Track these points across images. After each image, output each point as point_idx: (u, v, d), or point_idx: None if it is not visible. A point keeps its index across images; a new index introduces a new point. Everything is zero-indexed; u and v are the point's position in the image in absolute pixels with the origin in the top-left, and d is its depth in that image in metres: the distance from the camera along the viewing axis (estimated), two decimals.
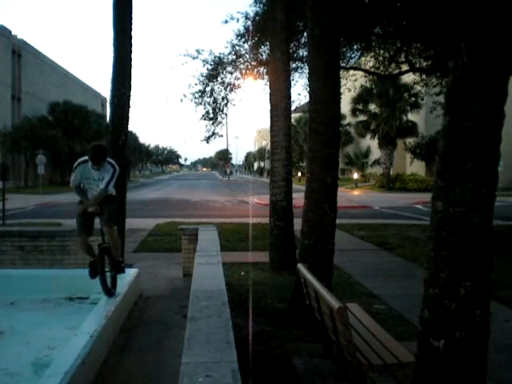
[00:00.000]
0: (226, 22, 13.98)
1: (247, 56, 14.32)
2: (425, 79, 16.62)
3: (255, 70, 14.49)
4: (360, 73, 16.62)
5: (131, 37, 8.63)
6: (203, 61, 14.28)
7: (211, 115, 14.86)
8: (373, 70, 15.78)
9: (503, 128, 2.84)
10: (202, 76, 14.45)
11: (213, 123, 15.07)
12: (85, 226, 5.73)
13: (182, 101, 14.76)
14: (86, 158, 5.48)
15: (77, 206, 5.82)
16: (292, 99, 9.63)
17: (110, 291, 5.66)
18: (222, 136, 16.26)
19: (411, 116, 38.47)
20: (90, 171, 5.51)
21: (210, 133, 15.36)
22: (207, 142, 16.04)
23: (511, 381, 4.47)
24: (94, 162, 5.34)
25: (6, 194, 16.59)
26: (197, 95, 14.61)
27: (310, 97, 6.07)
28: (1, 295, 6.44)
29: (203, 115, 14.87)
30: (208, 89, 14.63)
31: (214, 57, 14.26)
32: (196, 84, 14.59)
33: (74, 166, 5.60)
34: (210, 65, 14.26)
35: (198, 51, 14.28)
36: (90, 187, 5.64)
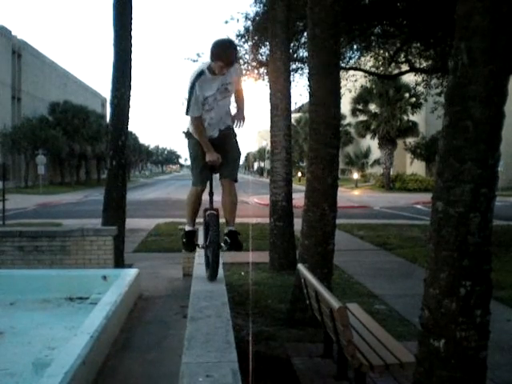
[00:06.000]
0: (227, 22, 14.10)
1: (247, 57, 14.35)
2: (426, 80, 16.64)
3: (255, 71, 14.51)
4: (360, 73, 16.63)
5: (131, 37, 8.66)
6: (203, 63, 14.35)
7: None
8: (373, 70, 15.81)
9: (503, 128, 2.84)
10: None
11: None
12: (205, 174, 4.14)
13: (183, 104, 14.80)
14: (201, 67, 3.97)
15: (189, 143, 4.24)
16: (292, 99, 9.64)
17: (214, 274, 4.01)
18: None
19: (412, 116, 38.48)
20: (210, 84, 3.92)
21: None
22: None
23: (511, 381, 4.46)
24: (227, 63, 3.79)
25: (6, 195, 16.60)
26: None
27: (310, 97, 6.07)
28: (1, 295, 6.44)
29: None
30: None
31: None
32: None
33: (192, 82, 3.89)
34: None
35: (198, 54, 14.40)
36: (210, 109, 4.01)
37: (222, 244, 4.10)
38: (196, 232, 4.43)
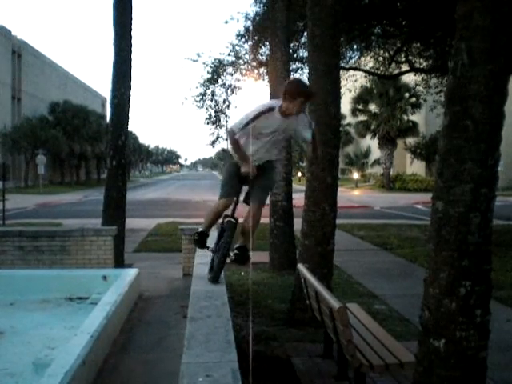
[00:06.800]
0: (227, 22, 14.12)
1: (247, 57, 14.39)
2: (425, 79, 16.63)
3: (255, 71, 14.54)
4: (360, 73, 16.63)
5: (131, 37, 8.67)
6: (203, 63, 14.41)
7: (214, 119, 15.01)
8: (373, 70, 15.80)
9: (503, 128, 2.84)
10: (203, 78, 14.60)
11: (216, 127, 15.21)
12: (235, 188, 4.19)
13: (183, 104, 14.99)
14: (273, 104, 4.00)
15: (228, 164, 4.38)
16: None
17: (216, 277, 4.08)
18: (227, 139, 16.49)
19: (411, 116, 38.46)
20: (274, 123, 3.99)
21: (215, 137, 15.59)
22: (213, 147, 16.29)
23: (511, 381, 4.46)
24: (309, 97, 4.02)
25: (6, 194, 16.60)
26: (198, 98, 14.74)
27: None
28: (1, 295, 6.44)
29: (206, 119, 15.05)
30: (209, 91, 14.76)
31: (214, 59, 14.38)
32: (197, 87, 14.71)
33: (258, 112, 3.93)
34: (211, 67, 14.37)
35: (198, 54, 14.47)
36: (258, 141, 4.06)
37: (231, 253, 4.09)
38: (207, 235, 4.40)
